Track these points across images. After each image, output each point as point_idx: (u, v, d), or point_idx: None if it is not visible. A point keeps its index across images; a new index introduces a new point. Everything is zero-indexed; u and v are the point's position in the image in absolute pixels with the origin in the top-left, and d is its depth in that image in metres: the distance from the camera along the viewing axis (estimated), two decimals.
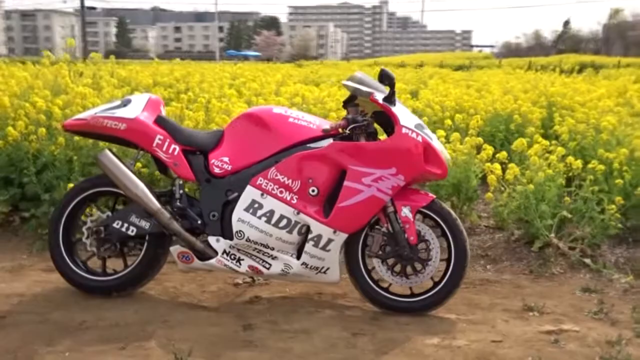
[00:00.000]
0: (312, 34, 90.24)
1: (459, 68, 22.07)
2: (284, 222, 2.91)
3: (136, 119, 3.05)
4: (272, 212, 2.91)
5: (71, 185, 3.82)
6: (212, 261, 2.99)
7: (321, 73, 12.32)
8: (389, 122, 3.00)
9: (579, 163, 4.08)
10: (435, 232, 3.00)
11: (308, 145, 2.99)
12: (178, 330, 2.81)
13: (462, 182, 4.25)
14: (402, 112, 2.97)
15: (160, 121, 3.12)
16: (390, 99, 2.94)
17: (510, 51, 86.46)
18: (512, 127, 5.70)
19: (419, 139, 2.91)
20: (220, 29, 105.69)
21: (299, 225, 2.91)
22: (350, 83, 3.03)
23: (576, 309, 3.12)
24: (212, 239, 3.00)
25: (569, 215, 3.93)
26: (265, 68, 13.83)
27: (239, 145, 3.07)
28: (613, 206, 3.79)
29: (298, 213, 2.90)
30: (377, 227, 3.01)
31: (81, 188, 3.19)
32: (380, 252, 2.99)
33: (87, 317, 2.92)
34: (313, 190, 2.90)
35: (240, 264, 2.99)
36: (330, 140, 2.99)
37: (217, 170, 3.04)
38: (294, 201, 2.90)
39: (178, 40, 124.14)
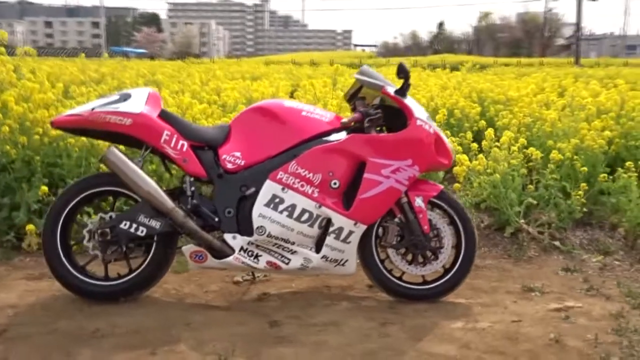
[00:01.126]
0: (194, 31, 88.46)
1: (350, 66, 22.54)
2: (306, 216, 2.89)
3: (142, 113, 2.91)
4: (293, 207, 2.89)
5: (43, 188, 3.61)
6: (230, 259, 2.92)
7: (232, 70, 12.23)
8: (395, 115, 3.06)
9: (538, 153, 4.35)
10: (444, 221, 3.10)
11: (324, 138, 2.99)
12: (205, 332, 2.73)
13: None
14: (414, 105, 3.04)
15: (164, 116, 3.00)
16: (402, 91, 3.01)
17: (389, 51, 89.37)
18: (452, 121, 5.94)
19: (431, 130, 3.01)
20: (97, 24, 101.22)
21: (320, 219, 2.91)
22: (361, 76, 3.07)
23: (568, 287, 3.34)
24: (228, 236, 2.93)
25: (534, 202, 4.18)
26: (173, 66, 13.47)
27: (250, 139, 3.02)
28: (580, 192, 4.08)
29: (320, 206, 2.90)
30: (389, 218, 3.07)
31: (79, 188, 3.00)
32: (395, 242, 3.05)
33: (98, 325, 2.76)
34: (335, 183, 2.91)
35: (258, 260, 2.94)
36: (343, 133, 3.01)
37: (229, 166, 2.97)
38: (315, 195, 2.90)
39: (49, 35, 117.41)
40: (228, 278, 3.41)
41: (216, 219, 2.94)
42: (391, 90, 3.02)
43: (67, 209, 2.97)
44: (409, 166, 2.96)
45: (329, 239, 2.92)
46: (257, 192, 2.92)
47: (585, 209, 4.24)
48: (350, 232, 2.93)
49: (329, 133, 3.01)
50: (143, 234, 2.93)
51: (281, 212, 2.89)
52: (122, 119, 2.87)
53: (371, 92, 3.11)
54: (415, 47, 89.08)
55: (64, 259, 2.95)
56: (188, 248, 2.94)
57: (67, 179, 3.94)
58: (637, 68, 17.98)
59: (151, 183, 2.89)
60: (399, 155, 2.95)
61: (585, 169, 4.32)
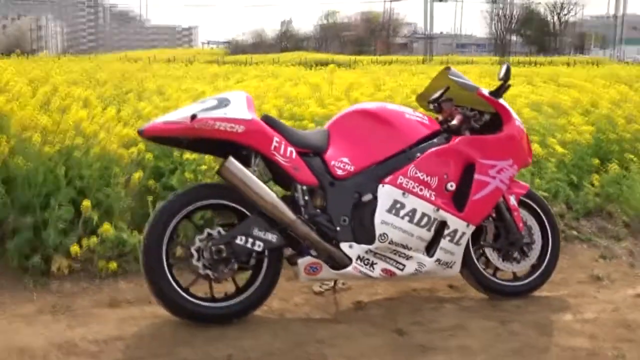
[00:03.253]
0: (27, 25, 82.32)
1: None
2: (425, 220, 2.86)
3: (254, 120, 2.72)
4: (414, 211, 2.85)
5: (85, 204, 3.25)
6: (349, 269, 2.81)
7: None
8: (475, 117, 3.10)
9: (539, 148, 4.61)
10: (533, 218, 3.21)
11: (430, 141, 2.97)
12: (342, 347, 2.61)
13: None
14: (509, 106, 3.11)
15: (267, 120, 2.82)
16: (498, 93, 3.07)
17: (237, 48, 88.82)
18: None
19: (524, 130, 3.10)
20: None
21: (436, 222, 2.89)
22: (455, 78, 3.08)
23: (623, 273, 3.59)
24: (344, 246, 2.82)
25: (546, 194, 4.43)
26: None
27: (356, 143, 2.92)
28: (595, 182, 4.39)
29: (438, 210, 2.88)
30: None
31: (184, 202, 2.73)
32: (493, 242, 3.11)
33: (228, 350, 2.55)
34: (451, 186, 2.90)
35: (373, 268, 2.86)
36: (443, 136, 3.02)
37: (339, 172, 2.86)
38: (433, 198, 2.88)
39: None
40: (306, 289, 3.27)
41: (335, 228, 2.81)
42: (486, 92, 3.07)
43: (172, 225, 2.70)
44: (510, 166, 3.03)
45: (444, 242, 2.91)
46: (374, 198, 2.84)
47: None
48: (463, 234, 2.94)
49: (432, 136, 3.00)
50: (260, 248, 2.73)
51: (402, 217, 2.83)
52: (234, 125, 2.66)
53: (461, 93, 3.13)
54: (262, 44, 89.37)
55: (172, 280, 2.68)
56: (305, 260, 2.79)
57: (90, 192, 3.56)
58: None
59: (272, 194, 2.71)
60: (502, 155, 3.01)
61: (597, 160, 4.64)
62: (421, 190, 2.86)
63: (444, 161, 2.91)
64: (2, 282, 3.27)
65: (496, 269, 3.17)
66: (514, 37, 66.53)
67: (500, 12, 62.89)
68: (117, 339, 2.61)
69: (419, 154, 2.91)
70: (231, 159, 2.68)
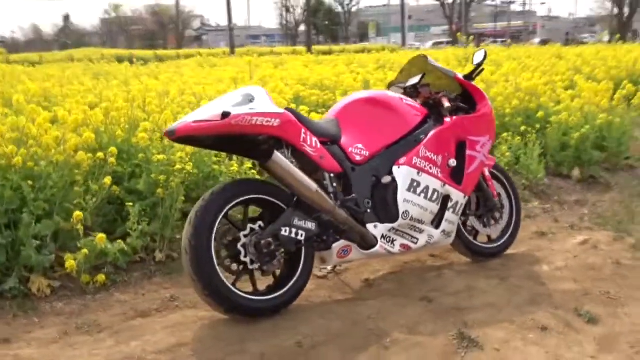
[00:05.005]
0: None
1: None
2: (435, 195, 3.13)
3: (285, 113, 2.77)
4: (427, 188, 3.10)
5: (78, 214, 3.05)
6: (376, 248, 2.99)
7: None
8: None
9: None
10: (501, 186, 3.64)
11: (427, 124, 3.24)
12: (392, 318, 2.80)
13: None
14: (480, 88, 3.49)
15: (291, 113, 2.89)
16: (470, 77, 3.43)
17: (9, 46, 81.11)
18: None
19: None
20: None
21: (442, 196, 3.17)
22: (435, 63, 3.38)
23: (559, 227, 4.19)
24: (370, 226, 2.99)
25: None
26: None
27: (366, 129, 3.09)
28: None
29: (444, 185, 3.16)
30: None
31: (224, 200, 2.69)
32: (476, 210, 3.48)
33: (295, 338, 2.60)
34: (453, 162, 3.20)
35: (394, 245, 3.07)
36: (433, 118, 3.30)
37: (357, 158, 3.02)
38: (439, 174, 3.15)
39: None
40: None
41: (362, 211, 2.97)
42: (460, 76, 3.41)
43: (218, 222, 2.66)
44: (488, 141, 3.41)
45: (448, 214, 3.21)
46: (392, 180, 3.04)
47: None
48: (461, 205, 3.26)
49: (426, 119, 3.26)
50: (302, 237, 2.80)
51: (419, 194, 3.07)
52: (270, 119, 2.68)
53: (436, 78, 3.43)
54: (38, 41, 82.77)
55: (223, 278, 2.64)
56: (339, 244, 2.91)
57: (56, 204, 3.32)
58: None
59: (314, 185, 2.79)
60: (484, 132, 3.37)
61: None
62: (431, 168, 3.12)
63: (445, 140, 3.20)
64: None
65: (475, 234, 3.54)
66: (304, 28, 69.07)
67: (290, 3, 64.84)
68: (179, 345, 2.54)
69: (422, 136, 3.16)
70: (277, 153, 2.71)
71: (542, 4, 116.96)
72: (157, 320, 2.78)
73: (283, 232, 2.75)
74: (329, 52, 28.04)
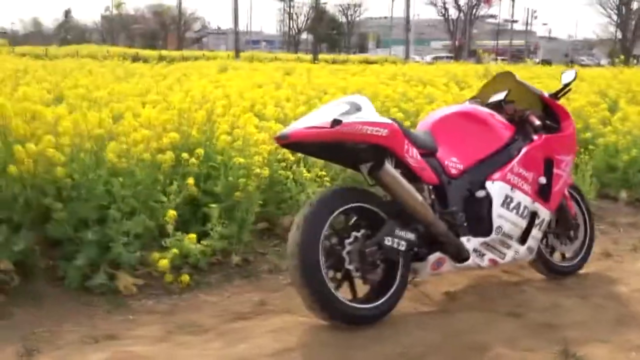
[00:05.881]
0: None
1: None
2: (526, 212, 3.16)
3: (392, 123, 2.79)
4: (519, 204, 3.12)
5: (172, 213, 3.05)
6: (469, 262, 3.01)
7: None
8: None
9: None
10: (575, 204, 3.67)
11: (518, 140, 3.26)
12: (487, 333, 2.81)
13: None
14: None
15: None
16: (556, 96, 3.46)
17: (9, 38, 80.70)
18: None
19: None
20: None
21: (530, 213, 3.20)
22: (523, 81, 3.41)
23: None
24: (464, 239, 3.01)
25: None
26: None
27: (461, 143, 3.12)
28: None
29: (533, 202, 3.19)
30: None
31: (330, 208, 2.69)
32: (555, 228, 3.51)
33: (397, 349, 2.61)
34: (543, 180, 3.22)
35: (483, 259, 3.09)
36: (521, 135, 3.32)
37: (453, 171, 3.04)
38: (530, 191, 3.18)
39: None
40: None
41: (458, 224, 2.98)
42: (547, 95, 3.44)
43: (326, 227, 2.66)
44: (571, 160, 3.44)
45: (534, 231, 3.23)
46: (486, 194, 3.06)
47: None
48: (546, 223, 3.29)
49: (514, 135, 3.29)
50: (403, 247, 2.81)
51: (512, 210, 3.10)
52: (379, 129, 2.70)
53: (521, 95, 3.46)
54: (38, 35, 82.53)
55: (330, 284, 2.65)
56: (435, 256, 2.93)
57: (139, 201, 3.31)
58: None
59: (419, 196, 2.81)
60: (569, 151, 3.41)
61: None
62: (523, 185, 3.15)
63: (536, 158, 3.22)
64: (66, 307, 2.94)
65: (551, 252, 3.57)
66: (304, 35, 69.40)
67: (293, 10, 65.11)
68: (286, 350, 2.54)
69: (515, 152, 3.18)
70: (387, 164, 2.72)
71: (544, 24, 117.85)
72: (258, 324, 2.78)
73: (386, 242, 2.76)
74: (334, 62, 28.12)
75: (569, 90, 3.53)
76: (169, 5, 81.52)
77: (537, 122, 3.31)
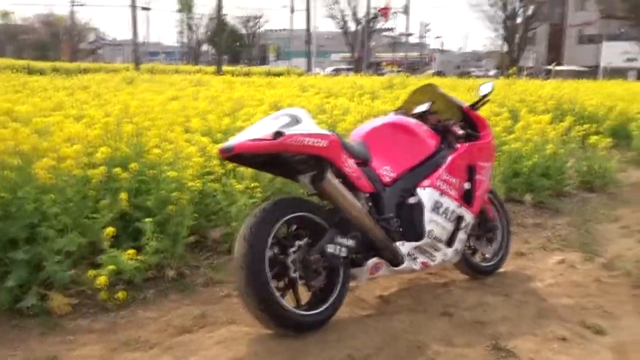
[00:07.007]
0: None
1: None
2: (453, 215, 3.34)
3: (332, 134, 2.89)
4: (447, 209, 3.30)
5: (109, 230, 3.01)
6: (403, 265, 3.15)
7: None
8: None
9: None
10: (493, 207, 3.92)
11: (443, 148, 3.45)
12: (425, 333, 2.97)
13: None
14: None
15: None
16: (475, 107, 3.69)
17: None
18: None
19: None
20: None
21: (457, 217, 3.39)
22: (445, 92, 3.62)
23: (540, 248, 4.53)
24: (398, 244, 3.15)
25: None
26: None
27: (391, 152, 3.27)
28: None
29: (460, 206, 3.38)
30: None
31: (276, 216, 2.75)
32: (477, 231, 3.73)
33: (345, 351, 2.71)
34: (467, 185, 3.42)
35: (416, 262, 3.24)
36: (446, 143, 3.51)
37: (386, 179, 3.18)
38: (456, 196, 3.37)
39: None
40: None
41: (393, 229, 3.12)
42: (467, 106, 3.66)
43: (271, 237, 2.72)
44: (490, 166, 3.68)
45: (460, 233, 3.42)
46: (418, 200, 3.22)
47: None
48: (471, 225, 3.49)
49: (440, 144, 3.48)
50: (345, 254, 2.91)
51: (441, 214, 3.27)
52: (319, 140, 2.79)
53: (443, 106, 3.66)
54: None
55: (276, 293, 2.70)
56: (373, 261, 3.05)
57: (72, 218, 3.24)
58: None
59: (358, 204, 2.92)
60: (489, 158, 3.63)
61: None
62: (450, 190, 3.33)
63: (461, 165, 3.42)
64: None
65: (473, 253, 3.78)
66: (205, 47, 68.74)
67: (193, 22, 64.34)
68: None
69: (442, 160, 3.36)
70: (329, 174, 2.81)
71: (438, 37, 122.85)
72: (205, 336, 2.78)
73: (329, 249, 2.85)
74: (246, 74, 28.05)
75: (487, 101, 3.77)
76: (62, 15, 78.26)
77: (460, 132, 3.51)
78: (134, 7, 34.64)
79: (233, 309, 3.13)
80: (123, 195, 3.33)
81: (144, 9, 68.18)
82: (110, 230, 3.05)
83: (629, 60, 45.80)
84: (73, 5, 72.52)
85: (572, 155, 6.76)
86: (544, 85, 13.67)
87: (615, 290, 3.67)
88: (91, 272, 3.05)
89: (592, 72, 40.52)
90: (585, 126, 6.87)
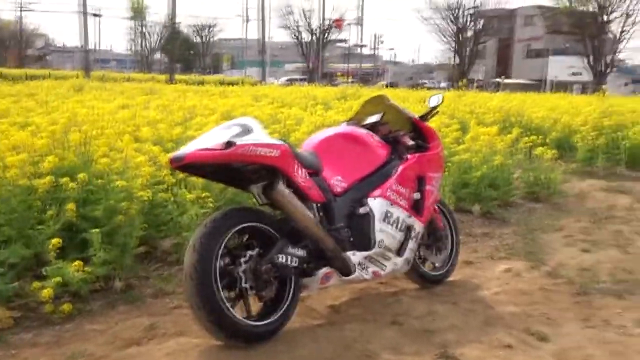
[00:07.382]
0: None
1: None
2: (403, 225, 3.39)
3: (284, 144, 2.90)
4: (397, 219, 3.35)
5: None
6: (354, 275, 3.18)
7: None
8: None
9: None
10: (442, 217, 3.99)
11: (394, 159, 3.50)
12: (376, 342, 2.99)
13: None
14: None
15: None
16: (425, 118, 3.76)
17: None
18: None
19: None
20: None
21: (407, 226, 3.43)
22: (395, 103, 3.68)
23: (488, 256, 4.62)
24: (349, 254, 3.17)
25: None
26: None
27: (342, 162, 3.30)
28: None
29: (410, 216, 3.43)
30: None
31: (227, 226, 2.74)
32: (426, 240, 3.79)
33: None
34: (417, 195, 3.48)
35: (367, 272, 3.28)
36: (396, 154, 3.56)
37: (338, 189, 3.21)
38: (406, 206, 3.42)
39: None
40: None
41: (343, 239, 3.14)
42: (417, 117, 3.73)
43: (222, 247, 2.70)
44: (440, 177, 3.75)
45: (411, 243, 3.47)
46: (368, 210, 3.25)
47: None
48: (420, 235, 3.55)
49: (390, 154, 3.53)
50: (296, 264, 2.92)
51: (391, 224, 3.31)
52: (271, 150, 2.80)
53: (393, 117, 3.72)
54: None
55: (227, 304, 2.69)
56: (323, 271, 3.06)
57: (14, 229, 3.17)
58: None
59: (309, 214, 2.93)
60: (438, 169, 3.70)
61: None
62: (400, 200, 3.38)
63: (411, 175, 3.47)
64: None
65: (423, 262, 3.84)
66: (158, 55, 67.96)
67: (145, 29, 63.60)
68: None
69: (392, 171, 3.41)
70: (281, 184, 2.82)
71: (390, 49, 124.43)
72: (153, 348, 2.74)
73: (279, 259, 2.85)
74: (199, 83, 27.85)
75: (436, 112, 3.84)
76: (8, 20, 76.27)
77: (410, 142, 3.57)
78: (84, 13, 34.02)
79: (183, 320, 3.09)
80: (70, 206, 3.26)
81: (95, 15, 67.15)
82: (56, 241, 2.99)
83: (574, 74, 47.36)
84: (21, 11, 70.78)
85: (519, 166, 6.94)
86: (493, 98, 14.00)
87: (558, 298, 3.77)
88: (36, 284, 2.97)
89: (538, 85, 41.74)
90: (532, 138, 7.05)
